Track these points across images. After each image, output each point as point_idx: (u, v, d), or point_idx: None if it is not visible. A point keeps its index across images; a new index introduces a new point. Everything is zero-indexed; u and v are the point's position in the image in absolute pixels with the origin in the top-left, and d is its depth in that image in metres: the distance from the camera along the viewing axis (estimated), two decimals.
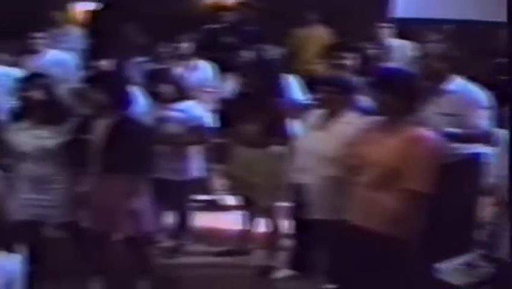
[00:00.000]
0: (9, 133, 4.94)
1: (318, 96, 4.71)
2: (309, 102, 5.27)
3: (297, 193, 4.80)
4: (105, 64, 6.69)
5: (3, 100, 5.51)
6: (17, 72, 5.84)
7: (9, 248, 3.34)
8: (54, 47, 7.34)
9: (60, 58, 7.13)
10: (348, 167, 3.92)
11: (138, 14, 8.41)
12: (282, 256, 5.43)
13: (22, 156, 4.83)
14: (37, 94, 4.86)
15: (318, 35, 8.83)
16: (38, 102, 4.86)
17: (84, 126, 4.83)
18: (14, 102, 5.14)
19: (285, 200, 5.29)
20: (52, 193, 4.83)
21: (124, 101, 4.81)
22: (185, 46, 7.09)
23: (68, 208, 4.85)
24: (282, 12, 9.47)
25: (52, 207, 4.83)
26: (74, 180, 4.84)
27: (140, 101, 5.63)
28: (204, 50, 7.32)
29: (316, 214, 4.54)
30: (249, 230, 5.80)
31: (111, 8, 9.10)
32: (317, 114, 4.70)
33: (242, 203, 5.74)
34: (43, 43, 7.16)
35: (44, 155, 4.81)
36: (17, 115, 5.06)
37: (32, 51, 7.05)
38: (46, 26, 7.93)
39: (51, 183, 4.84)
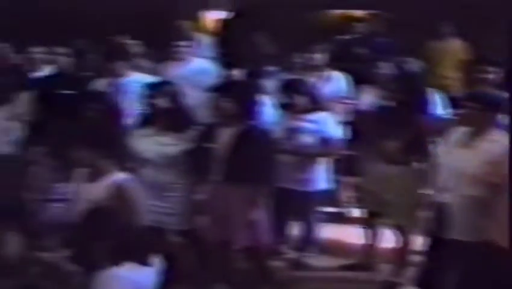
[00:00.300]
0: (133, 139, 4.98)
1: (463, 112, 4.52)
2: (450, 118, 5.07)
3: (436, 211, 4.62)
4: (236, 73, 6.72)
5: (132, 107, 5.62)
6: (150, 79, 5.95)
7: (142, 261, 3.34)
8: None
9: (204, 66, 7.22)
10: (492, 186, 3.73)
11: (270, 23, 8.43)
12: (409, 273, 5.24)
13: (144, 162, 4.85)
14: (162, 102, 4.90)
15: (455, 48, 8.53)
16: (163, 109, 4.90)
17: (208, 134, 4.83)
18: (141, 109, 5.20)
19: (420, 217, 5.12)
20: (172, 200, 4.83)
21: (252, 111, 4.80)
22: (319, 56, 7.03)
23: (187, 216, 4.85)
24: (414, 23, 9.24)
25: (172, 214, 4.83)
26: (194, 188, 4.85)
27: (269, 111, 5.59)
28: (337, 61, 7.23)
29: (455, 233, 4.33)
30: (374, 245, 5.65)
31: (242, 17, 9.18)
32: (460, 131, 4.48)
33: (368, 217, 5.60)
34: (187, 52, 7.27)
35: (166, 161, 4.83)
36: (143, 122, 5.11)
37: (175, 59, 7.19)
38: (177, 35, 8.09)
39: (171, 190, 4.85)
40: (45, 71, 6.91)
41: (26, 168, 4.70)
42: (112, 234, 3.30)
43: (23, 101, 5.65)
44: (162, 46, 7.44)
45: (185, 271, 4.88)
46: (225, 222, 4.64)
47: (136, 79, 5.94)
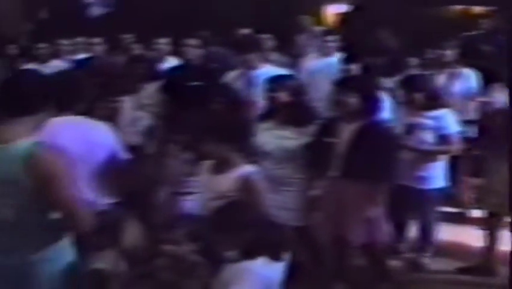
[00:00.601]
0: (256, 132, 4.98)
1: None
2: None
3: None
4: (355, 67, 6.69)
5: (261, 99, 5.69)
6: (278, 72, 5.98)
7: (275, 256, 3.33)
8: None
9: (328, 61, 7.24)
10: None
11: (391, 17, 8.33)
12: None
13: (264, 155, 4.86)
14: (283, 95, 4.89)
15: None
16: (284, 103, 4.89)
17: (328, 129, 4.79)
18: (264, 101, 5.25)
19: None
20: (289, 195, 4.81)
21: (375, 106, 4.73)
22: (449, 52, 6.88)
23: (303, 212, 4.82)
24: None
25: (288, 209, 4.79)
26: (310, 184, 4.81)
27: (387, 106, 5.54)
28: (465, 58, 7.06)
29: None
30: (493, 247, 5.49)
31: (362, 11, 9.11)
32: None
33: (489, 218, 5.46)
34: (310, 46, 7.29)
35: (285, 155, 4.82)
36: (265, 115, 5.13)
37: (301, 53, 7.25)
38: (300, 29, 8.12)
39: (289, 185, 4.83)
40: (171, 62, 7.09)
41: (154, 159, 4.81)
42: (246, 227, 3.29)
43: (150, 92, 5.81)
44: (287, 40, 7.52)
45: (301, 268, 4.91)
46: (341, 219, 4.60)
47: (266, 72, 5.96)
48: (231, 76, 6.32)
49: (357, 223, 4.58)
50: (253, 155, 4.57)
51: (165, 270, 3.88)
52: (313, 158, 4.75)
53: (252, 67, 6.20)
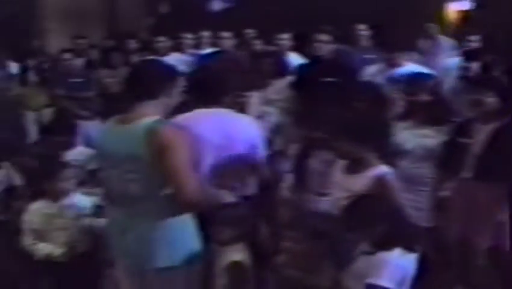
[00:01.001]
0: (395, 131, 4.90)
1: None
2: None
3: None
4: (475, 66, 6.53)
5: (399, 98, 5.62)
6: (418, 70, 5.88)
7: (410, 247, 3.34)
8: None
9: (455, 61, 7.13)
10: None
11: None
12: None
13: (403, 154, 4.79)
14: (423, 94, 4.84)
15: None
16: (424, 102, 4.83)
17: (464, 129, 4.68)
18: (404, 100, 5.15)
19: None
20: (423, 195, 4.74)
21: None
22: None
23: (433, 212, 4.74)
24: None
25: (421, 209, 4.72)
26: (441, 184, 4.73)
27: None
28: None
29: None
30: None
31: (483, 9, 8.89)
32: None
33: None
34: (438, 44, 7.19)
35: (424, 154, 4.76)
36: (404, 113, 5.03)
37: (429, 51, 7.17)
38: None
39: (424, 184, 4.76)
40: (293, 58, 7.10)
41: (282, 156, 4.84)
42: (380, 220, 3.31)
43: (279, 87, 5.83)
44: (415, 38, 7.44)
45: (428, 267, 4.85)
46: (470, 221, 4.51)
47: (406, 70, 5.91)
48: (370, 73, 6.29)
49: (486, 225, 4.48)
50: (391, 154, 4.50)
51: (287, 267, 3.88)
52: (446, 158, 4.67)
53: (394, 65, 6.17)
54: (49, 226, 4.41)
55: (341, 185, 3.93)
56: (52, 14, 11.92)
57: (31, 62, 9.17)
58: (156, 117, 3.34)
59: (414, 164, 4.77)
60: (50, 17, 11.90)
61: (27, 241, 4.40)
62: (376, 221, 3.30)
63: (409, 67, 6.12)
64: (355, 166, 3.89)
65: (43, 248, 4.36)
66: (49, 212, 4.44)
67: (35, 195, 4.58)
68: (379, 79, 6.04)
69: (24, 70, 9.09)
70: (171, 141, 3.25)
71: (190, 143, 3.35)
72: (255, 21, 9.13)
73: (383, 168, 3.85)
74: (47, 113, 8.38)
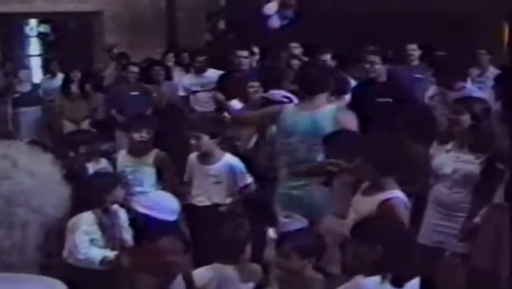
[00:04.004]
0: (432, 153, 4.89)
1: None
2: None
3: None
4: None
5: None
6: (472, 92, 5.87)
7: (406, 277, 3.22)
8: None
9: None
10: None
11: None
12: None
13: (439, 178, 4.74)
14: (465, 118, 4.73)
15: None
16: (466, 125, 4.72)
17: (501, 156, 4.46)
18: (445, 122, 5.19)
19: None
20: (459, 221, 4.63)
21: None
22: None
23: (466, 239, 4.58)
24: None
25: (454, 235, 4.63)
26: (476, 210, 4.55)
27: None
28: None
29: None
30: None
31: None
32: None
33: None
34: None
35: (461, 180, 4.66)
36: (445, 136, 5.00)
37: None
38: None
39: (461, 210, 4.65)
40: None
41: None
42: (378, 243, 3.21)
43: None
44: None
45: None
46: (498, 248, 4.33)
47: (463, 92, 5.85)
48: (428, 95, 6.30)
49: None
50: (422, 177, 4.60)
51: (280, 283, 3.84)
52: (482, 184, 4.57)
53: (450, 87, 6.09)
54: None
55: (354, 207, 3.96)
56: (113, 28, 12.24)
57: (77, 74, 9.44)
58: (333, 106, 4.84)
59: (450, 189, 4.71)
60: (110, 31, 12.22)
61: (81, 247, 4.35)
62: (373, 243, 3.22)
63: (467, 90, 6.04)
64: (371, 189, 3.92)
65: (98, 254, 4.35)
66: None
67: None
68: (435, 102, 6.08)
69: (68, 81, 9.34)
70: (347, 122, 4.66)
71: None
72: (303, 39, 9.26)
73: (394, 193, 3.84)
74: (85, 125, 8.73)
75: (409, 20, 9.34)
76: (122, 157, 5.52)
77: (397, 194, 3.83)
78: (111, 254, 4.37)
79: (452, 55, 7.67)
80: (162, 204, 5.10)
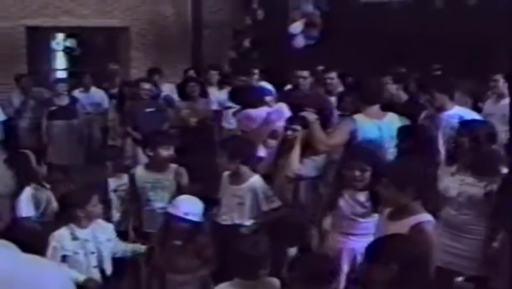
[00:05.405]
0: (439, 176, 4.88)
1: None
2: None
3: None
4: None
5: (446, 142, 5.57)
6: (469, 115, 5.80)
7: None
8: None
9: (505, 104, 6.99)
10: None
11: None
12: None
13: (446, 200, 4.75)
14: (466, 140, 4.77)
15: None
16: (469, 149, 4.75)
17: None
18: (450, 145, 5.19)
19: None
20: (468, 243, 4.67)
21: None
22: None
23: (481, 262, 4.64)
24: None
25: (466, 258, 4.67)
26: (492, 234, 4.62)
27: None
28: None
29: None
30: None
31: None
32: None
33: None
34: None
35: (467, 202, 4.68)
36: (450, 158, 5.06)
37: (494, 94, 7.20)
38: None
39: (469, 232, 4.69)
40: None
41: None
42: (396, 262, 3.16)
43: None
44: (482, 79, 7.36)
45: None
46: None
47: (455, 114, 5.81)
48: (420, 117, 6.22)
49: None
50: (435, 200, 4.50)
51: None
52: (496, 208, 4.55)
53: (440, 109, 5.98)
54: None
55: (383, 232, 3.90)
56: (139, 44, 12.35)
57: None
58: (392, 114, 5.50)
59: (457, 210, 4.73)
60: (136, 47, 12.32)
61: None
62: (387, 262, 3.17)
63: (459, 111, 5.94)
64: (398, 213, 3.91)
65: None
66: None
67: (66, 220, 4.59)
68: (429, 122, 5.98)
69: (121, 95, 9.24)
70: None
71: None
72: (332, 60, 9.30)
73: (424, 216, 3.84)
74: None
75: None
76: (140, 172, 5.51)
77: (427, 217, 3.85)
78: (80, 277, 4.35)
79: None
80: (191, 206, 5.05)
